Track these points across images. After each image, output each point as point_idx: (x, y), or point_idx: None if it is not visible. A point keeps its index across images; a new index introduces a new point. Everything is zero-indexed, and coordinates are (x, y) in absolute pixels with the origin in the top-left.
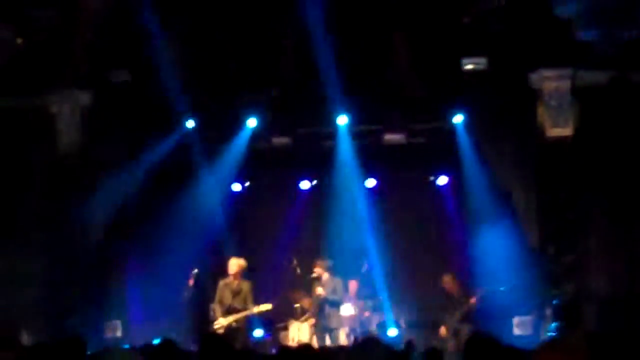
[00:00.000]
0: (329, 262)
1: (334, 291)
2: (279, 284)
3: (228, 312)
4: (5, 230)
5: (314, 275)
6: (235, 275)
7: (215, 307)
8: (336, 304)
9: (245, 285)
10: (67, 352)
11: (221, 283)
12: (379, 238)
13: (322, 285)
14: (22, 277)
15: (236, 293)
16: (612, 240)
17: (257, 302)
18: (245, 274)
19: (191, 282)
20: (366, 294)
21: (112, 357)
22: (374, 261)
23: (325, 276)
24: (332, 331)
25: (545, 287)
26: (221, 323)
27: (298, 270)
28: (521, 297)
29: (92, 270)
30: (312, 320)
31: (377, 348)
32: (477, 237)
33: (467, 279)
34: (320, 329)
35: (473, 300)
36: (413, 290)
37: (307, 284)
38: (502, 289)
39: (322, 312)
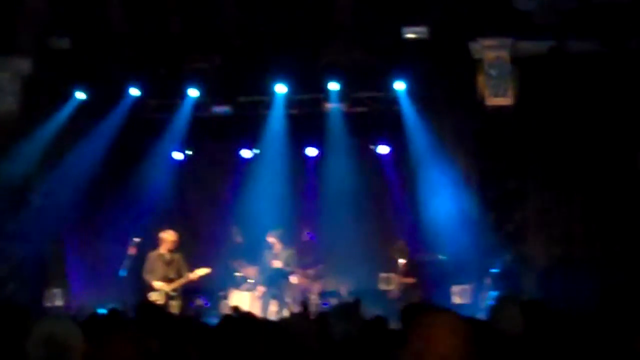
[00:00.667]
0: (281, 232)
1: (286, 262)
2: (220, 252)
3: (165, 281)
4: None
5: (269, 244)
6: (166, 248)
7: (148, 277)
8: (286, 275)
9: (177, 256)
10: (9, 320)
11: (151, 255)
12: (320, 207)
13: (276, 256)
14: None
15: (169, 263)
16: (550, 209)
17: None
18: (176, 246)
19: (132, 250)
20: (307, 262)
21: (53, 326)
22: (315, 230)
23: (278, 246)
24: (283, 300)
25: (485, 255)
26: (160, 290)
27: (239, 239)
28: (461, 265)
29: (30, 237)
30: (262, 290)
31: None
32: (418, 206)
33: (409, 247)
34: (269, 298)
35: (411, 279)
36: (354, 259)
37: (251, 252)
38: (441, 257)
39: (274, 282)
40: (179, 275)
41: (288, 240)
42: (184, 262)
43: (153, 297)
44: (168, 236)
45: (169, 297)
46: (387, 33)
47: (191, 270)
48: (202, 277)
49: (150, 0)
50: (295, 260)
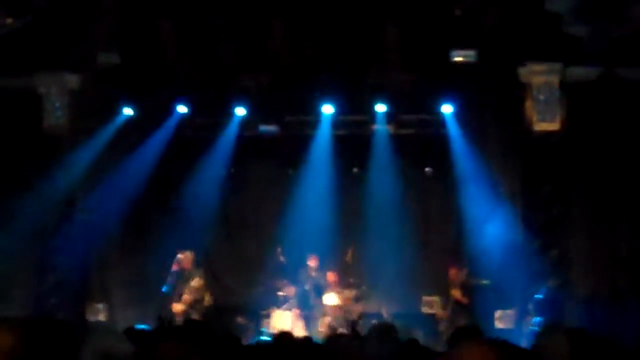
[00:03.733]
0: (320, 255)
1: (320, 284)
2: (263, 271)
3: (181, 299)
4: None
5: (309, 265)
6: (186, 268)
7: (172, 297)
8: (319, 295)
9: (197, 274)
10: (55, 335)
11: (175, 275)
12: (364, 228)
13: (310, 278)
14: (6, 257)
15: (186, 281)
16: (595, 236)
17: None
18: (195, 263)
19: (175, 267)
20: (350, 284)
21: (107, 340)
22: (359, 251)
23: (315, 269)
24: (314, 320)
25: (528, 281)
26: (176, 309)
27: (282, 258)
28: (504, 290)
29: (75, 252)
30: (297, 310)
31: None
32: (462, 229)
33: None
34: (304, 318)
35: (456, 292)
36: (397, 281)
37: (294, 272)
38: (485, 281)
39: (307, 302)
40: (198, 291)
41: (328, 262)
42: (203, 279)
43: (175, 308)
44: (183, 257)
45: (187, 313)
46: (435, 55)
47: (210, 287)
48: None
49: (199, 18)
50: (329, 283)
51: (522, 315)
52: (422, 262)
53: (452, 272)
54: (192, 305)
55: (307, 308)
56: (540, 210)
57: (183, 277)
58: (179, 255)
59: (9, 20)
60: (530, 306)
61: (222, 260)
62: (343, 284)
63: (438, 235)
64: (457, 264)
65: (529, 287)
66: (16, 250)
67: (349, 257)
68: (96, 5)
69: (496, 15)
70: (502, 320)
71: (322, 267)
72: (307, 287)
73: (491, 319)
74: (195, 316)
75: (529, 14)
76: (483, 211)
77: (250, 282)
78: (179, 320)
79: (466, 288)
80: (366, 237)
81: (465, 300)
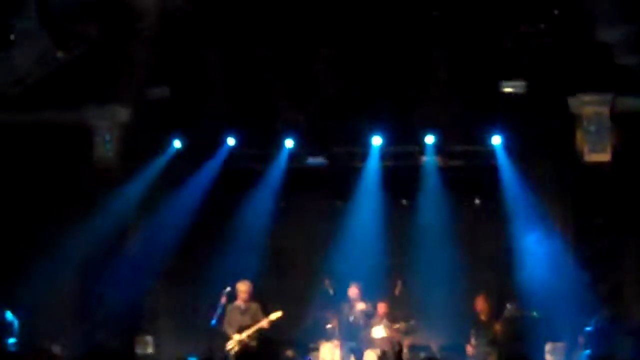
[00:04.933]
0: (361, 284)
1: (360, 316)
2: (312, 303)
3: (239, 331)
4: (39, 243)
5: (350, 296)
6: (242, 298)
7: (226, 329)
8: (363, 328)
9: (254, 306)
10: None
11: (229, 307)
12: (413, 260)
13: (352, 309)
14: (56, 289)
15: (244, 312)
16: None
17: (292, 324)
18: (252, 295)
19: (223, 300)
20: (398, 316)
21: None
22: (408, 283)
23: (356, 299)
24: (358, 352)
25: (579, 313)
26: (234, 339)
27: (331, 291)
28: (554, 322)
29: (125, 284)
30: (337, 342)
31: None
32: (513, 261)
33: (502, 302)
34: (347, 350)
35: (498, 325)
36: (446, 313)
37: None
38: (535, 314)
39: (352, 334)
40: (255, 322)
41: (376, 294)
42: (259, 311)
43: (230, 345)
44: (241, 286)
45: (243, 344)
46: (484, 86)
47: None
48: (274, 322)
49: (246, 50)
50: (378, 315)
51: (573, 347)
52: (471, 295)
53: (480, 302)
54: (249, 337)
55: (353, 340)
56: (592, 242)
57: (235, 309)
58: (227, 289)
59: (60, 54)
60: (581, 339)
61: (271, 293)
62: (391, 316)
63: (487, 267)
64: (506, 298)
65: (579, 319)
66: (66, 283)
67: (397, 289)
68: (143, 38)
69: (546, 46)
70: (552, 353)
71: (366, 297)
72: (351, 318)
73: (542, 351)
74: (245, 349)
75: (579, 45)
76: (533, 243)
77: (298, 315)
78: (229, 353)
79: (509, 323)
80: (415, 269)
81: (503, 336)
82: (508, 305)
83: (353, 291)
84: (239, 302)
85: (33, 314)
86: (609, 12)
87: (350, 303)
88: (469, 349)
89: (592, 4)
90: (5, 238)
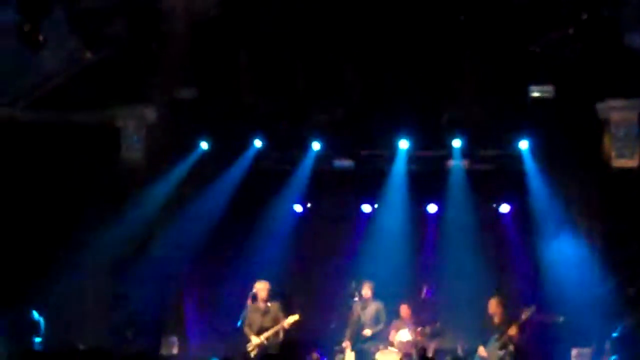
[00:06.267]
0: (373, 285)
1: (374, 316)
2: (337, 307)
3: (259, 332)
4: (66, 243)
5: (364, 295)
6: (262, 299)
7: (247, 330)
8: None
9: (274, 306)
10: None
11: (250, 307)
12: (439, 264)
13: (364, 308)
14: (83, 289)
15: (265, 313)
16: None
17: (317, 326)
18: (272, 295)
19: (250, 301)
20: (423, 319)
21: None
22: (434, 287)
23: (369, 298)
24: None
25: (606, 319)
26: (253, 342)
27: (356, 294)
28: (581, 328)
29: (150, 285)
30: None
31: None
32: (539, 265)
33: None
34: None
35: (513, 330)
36: (473, 317)
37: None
38: (561, 318)
39: (359, 334)
40: (274, 324)
41: (392, 294)
42: (280, 311)
43: (250, 347)
44: (260, 286)
45: (264, 347)
46: (512, 90)
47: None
48: (293, 324)
49: (275, 52)
50: (385, 315)
51: (599, 353)
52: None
53: (492, 304)
54: (267, 339)
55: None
56: (619, 247)
57: (255, 310)
58: (254, 290)
59: (88, 54)
60: (607, 345)
61: (296, 295)
62: (416, 319)
63: (513, 270)
64: (525, 302)
65: (606, 325)
66: (93, 283)
67: (423, 293)
68: (171, 39)
69: (574, 51)
70: (579, 358)
71: (390, 299)
72: (362, 318)
73: (568, 357)
74: (270, 351)
75: (607, 50)
76: (560, 248)
77: (324, 317)
78: (254, 354)
79: (528, 327)
80: (441, 272)
81: (520, 341)
82: (526, 309)
83: (366, 291)
84: (260, 303)
85: (59, 314)
86: (636, 18)
87: (363, 303)
88: (481, 351)
89: (620, 9)
90: (32, 237)
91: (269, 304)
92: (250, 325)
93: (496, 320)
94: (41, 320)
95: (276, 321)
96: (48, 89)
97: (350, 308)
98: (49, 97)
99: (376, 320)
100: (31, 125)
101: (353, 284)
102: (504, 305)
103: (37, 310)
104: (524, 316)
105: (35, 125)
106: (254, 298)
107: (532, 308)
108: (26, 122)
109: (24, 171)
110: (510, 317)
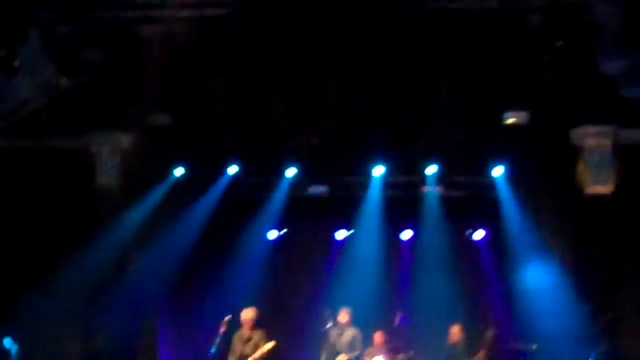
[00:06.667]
0: (351, 310)
1: (349, 343)
2: (311, 334)
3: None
4: (40, 269)
5: (340, 321)
6: (246, 326)
7: (229, 358)
8: None
9: (257, 334)
10: None
11: (234, 336)
12: (413, 290)
13: (340, 335)
14: (56, 315)
15: (247, 341)
16: None
17: (293, 353)
18: (257, 323)
19: (223, 329)
20: (397, 346)
21: None
22: (407, 313)
23: (346, 324)
24: None
25: (578, 346)
26: None
27: (330, 321)
28: (553, 355)
29: (124, 311)
30: None
31: None
32: (513, 292)
33: (503, 333)
34: None
35: (480, 356)
36: (445, 344)
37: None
38: (534, 346)
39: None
40: (255, 351)
41: (366, 322)
42: (262, 340)
43: None
44: (245, 314)
45: None
46: (486, 117)
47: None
48: (269, 352)
49: (250, 78)
50: (361, 342)
51: None
52: (471, 326)
53: (455, 332)
54: None
55: None
56: (592, 274)
57: (238, 338)
58: (226, 317)
59: (64, 80)
60: None
61: (271, 322)
62: (390, 346)
63: (487, 297)
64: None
65: (579, 352)
66: (66, 310)
67: (397, 319)
68: (148, 66)
69: (549, 77)
70: None
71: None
72: (337, 346)
73: None
74: None
75: (582, 76)
76: (534, 274)
77: (299, 344)
78: None
79: (495, 354)
80: (415, 299)
81: None
82: (486, 332)
83: (343, 317)
84: (243, 330)
85: (34, 340)
86: (611, 44)
87: (339, 329)
88: None
89: (595, 36)
90: (5, 264)
91: (252, 332)
92: (232, 353)
93: (459, 347)
94: (14, 346)
95: (257, 348)
96: (23, 114)
97: (325, 334)
98: (24, 123)
99: (351, 346)
100: (6, 151)
101: (328, 310)
102: (466, 331)
103: (10, 337)
104: (485, 341)
105: (10, 151)
106: (230, 325)
107: (492, 330)
108: (1, 147)
109: None
110: (476, 343)
